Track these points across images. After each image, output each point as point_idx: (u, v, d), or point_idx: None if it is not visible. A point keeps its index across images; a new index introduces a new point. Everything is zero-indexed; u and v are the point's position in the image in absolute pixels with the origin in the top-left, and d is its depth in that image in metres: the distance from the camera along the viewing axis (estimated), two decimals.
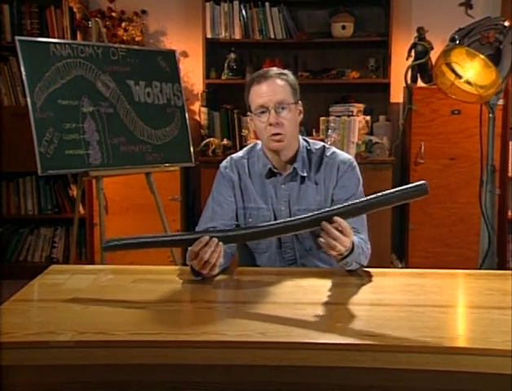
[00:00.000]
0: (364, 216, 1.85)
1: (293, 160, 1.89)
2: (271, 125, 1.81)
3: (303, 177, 1.89)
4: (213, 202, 1.93)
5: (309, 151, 1.92)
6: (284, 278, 1.68)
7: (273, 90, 1.81)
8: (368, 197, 1.56)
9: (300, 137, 1.94)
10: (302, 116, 1.91)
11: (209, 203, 1.95)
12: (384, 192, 1.53)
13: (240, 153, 1.99)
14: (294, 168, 1.88)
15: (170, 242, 1.72)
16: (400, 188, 1.52)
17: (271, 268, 1.89)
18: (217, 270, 1.64)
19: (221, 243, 1.58)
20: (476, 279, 1.73)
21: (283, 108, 1.81)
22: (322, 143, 1.96)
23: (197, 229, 1.87)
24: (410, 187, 1.51)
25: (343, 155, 1.92)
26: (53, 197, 4.10)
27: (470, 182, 3.63)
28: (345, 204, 1.58)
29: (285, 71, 1.88)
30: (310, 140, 1.97)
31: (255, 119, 1.85)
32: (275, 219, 1.87)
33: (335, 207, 1.59)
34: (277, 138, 1.82)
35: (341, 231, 1.54)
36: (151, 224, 3.48)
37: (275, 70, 1.86)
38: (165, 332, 1.29)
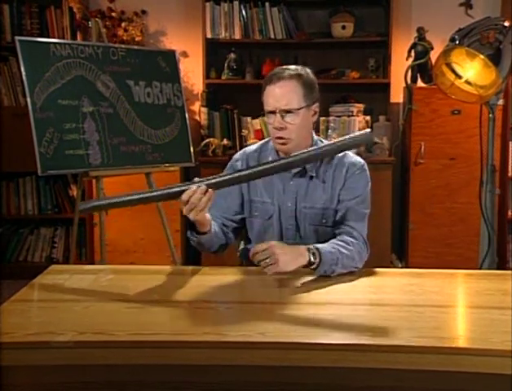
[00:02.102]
0: (365, 216, 1.86)
1: None
2: (276, 128, 1.82)
3: (312, 176, 1.90)
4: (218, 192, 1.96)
5: None
6: (285, 278, 1.68)
7: (282, 94, 1.81)
8: (321, 145, 1.70)
9: (315, 136, 1.95)
10: (316, 116, 1.92)
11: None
12: (334, 141, 1.67)
13: (253, 146, 2.02)
14: (304, 167, 1.89)
15: (153, 197, 1.68)
16: (348, 136, 1.64)
17: None
18: (206, 216, 1.70)
19: (210, 190, 1.61)
20: (476, 279, 1.73)
21: (290, 112, 1.81)
22: None
23: None
24: (357, 136, 1.62)
25: (354, 157, 1.93)
26: (53, 197, 4.10)
27: (470, 182, 3.63)
28: (300, 152, 1.65)
29: (303, 71, 1.87)
30: (325, 141, 1.98)
31: (265, 117, 1.88)
32: (280, 214, 1.90)
33: (293, 155, 1.65)
34: (280, 141, 1.85)
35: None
36: (151, 224, 3.48)
37: (290, 70, 1.85)
38: (165, 332, 1.29)
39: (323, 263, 1.67)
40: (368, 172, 1.92)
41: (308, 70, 1.90)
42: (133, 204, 1.68)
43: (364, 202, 1.87)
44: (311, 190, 1.89)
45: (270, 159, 1.93)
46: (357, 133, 1.64)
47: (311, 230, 1.88)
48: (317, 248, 1.68)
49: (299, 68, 1.88)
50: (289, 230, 1.90)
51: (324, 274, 1.68)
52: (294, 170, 1.89)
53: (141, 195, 1.64)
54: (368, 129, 1.65)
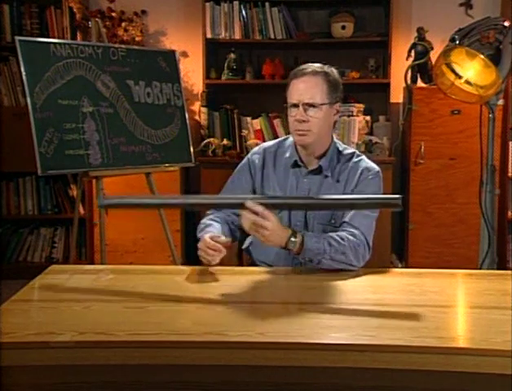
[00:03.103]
0: (371, 219, 1.86)
1: (321, 157, 1.93)
2: (297, 120, 1.85)
3: (327, 175, 1.92)
4: (231, 183, 2.02)
5: (339, 153, 1.95)
6: (285, 278, 1.68)
7: (307, 88, 1.85)
8: (347, 197, 1.74)
9: (335, 139, 1.97)
10: (338, 116, 1.94)
11: (227, 184, 2.03)
12: (362, 197, 1.72)
13: (271, 143, 2.06)
14: (320, 165, 1.92)
15: (172, 205, 1.78)
16: (378, 197, 1.69)
17: (272, 268, 1.89)
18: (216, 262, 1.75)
19: (224, 250, 1.70)
20: (476, 279, 1.73)
21: (312, 106, 1.84)
22: (354, 150, 2.00)
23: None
24: (386, 198, 1.62)
25: (370, 163, 1.95)
26: (53, 197, 4.10)
27: (470, 182, 3.63)
28: (328, 197, 1.73)
29: (329, 69, 1.90)
30: (343, 145, 2.00)
31: (288, 111, 1.90)
32: (291, 211, 1.92)
33: (322, 197, 1.76)
34: (300, 132, 1.87)
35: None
36: (151, 224, 3.48)
37: (316, 67, 1.88)
38: (165, 332, 1.29)
39: (306, 250, 1.69)
40: (381, 179, 1.94)
41: (334, 70, 1.92)
42: (153, 208, 1.74)
43: None
44: (324, 188, 1.91)
45: (287, 155, 1.97)
46: (386, 197, 1.63)
47: (319, 229, 1.89)
48: (302, 235, 1.70)
49: (325, 66, 1.91)
50: (298, 226, 1.91)
51: (311, 264, 1.70)
52: (310, 167, 1.93)
53: (162, 201, 1.74)
54: (399, 196, 1.52)
